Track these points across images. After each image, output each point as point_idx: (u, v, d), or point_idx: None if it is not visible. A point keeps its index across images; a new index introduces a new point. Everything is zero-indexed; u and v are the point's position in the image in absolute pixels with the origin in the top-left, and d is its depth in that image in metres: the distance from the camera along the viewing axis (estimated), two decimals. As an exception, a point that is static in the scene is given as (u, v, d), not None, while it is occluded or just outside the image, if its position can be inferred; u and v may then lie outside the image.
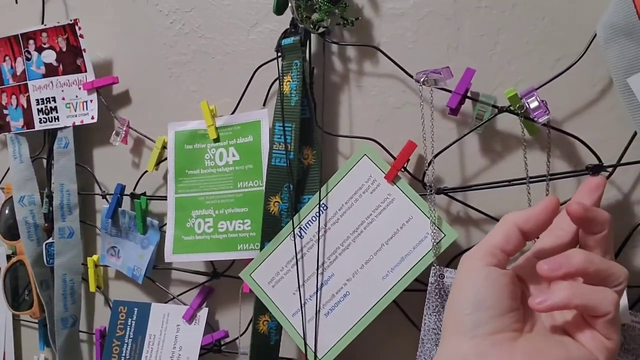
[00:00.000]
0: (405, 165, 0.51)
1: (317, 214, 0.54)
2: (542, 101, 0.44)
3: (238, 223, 0.59)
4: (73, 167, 0.73)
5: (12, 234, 0.80)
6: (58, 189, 0.72)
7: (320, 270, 0.53)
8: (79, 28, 0.68)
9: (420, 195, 0.50)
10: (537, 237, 0.38)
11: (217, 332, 0.64)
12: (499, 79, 0.50)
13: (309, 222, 0.54)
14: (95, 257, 0.74)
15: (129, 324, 0.68)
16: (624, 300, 0.40)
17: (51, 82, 0.71)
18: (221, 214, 0.60)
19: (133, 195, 0.68)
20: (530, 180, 0.46)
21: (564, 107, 0.47)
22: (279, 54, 0.55)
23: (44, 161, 0.77)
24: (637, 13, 0.36)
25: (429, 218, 0.49)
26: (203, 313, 0.64)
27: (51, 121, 0.73)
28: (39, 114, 0.73)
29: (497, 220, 0.49)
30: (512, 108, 0.46)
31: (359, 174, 0.52)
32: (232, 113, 0.61)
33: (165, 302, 0.69)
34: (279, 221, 0.56)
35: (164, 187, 0.69)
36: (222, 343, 0.65)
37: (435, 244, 0.48)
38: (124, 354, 0.68)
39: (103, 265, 0.74)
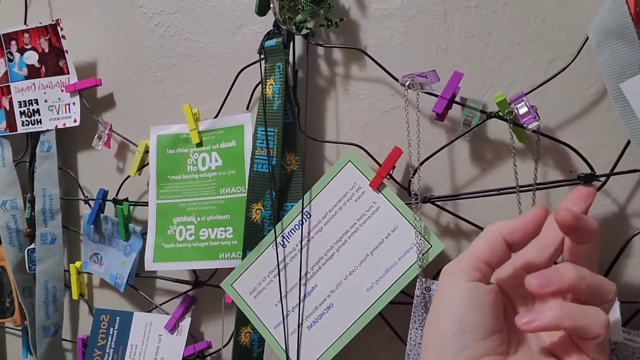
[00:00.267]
0: (391, 172, 0.49)
1: (300, 223, 0.52)
2: (532, 107, 0.41)
3: (220, 231, 0.57)
4: (55, 171, 0.71)
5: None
6: (40, 194, 0.71)
7: (303, 281, 0.51)
8: (61, 29, 0.66)
9: (406, 203, 0.48)
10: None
11: (200, 343, 0.62)
12: (491, 81, 0.47)
13: (292, 231, 0.52)
14: (78, 263, 0.72)
15: (111, 333, 0.66)
16: (616, 316, 0.38)
17: (33, 84, 0.70)
18: (203, 221, 0.58)
19: (115, 201, 0.66)
20: (521, 189, 0.44)
21: (556, 112, 0.45)
22: (262, 56, 0.53)
23: (28, 165, 0.75)
24: (630, 13, 0.34)
25: (414, 228, 0.47)
26: (185, 323, 0.62)
27: (34, 124, 0.71)
28: (21, 117, 0.72)
29: (486, 230, 0.47)
30: (500, 114, 0.43)
31: (344, 181, 0.50)
32: (216, 117, 0.59)
33: (149, 311, 0.67)
34: (261, 229, 0.54)
35: (148, 193, 0.67)
36: (205, 354, 0.63)
37: (421, 255, 0.46)
38: (105, 364, 0.66)
39: (86, 273, 0.72)
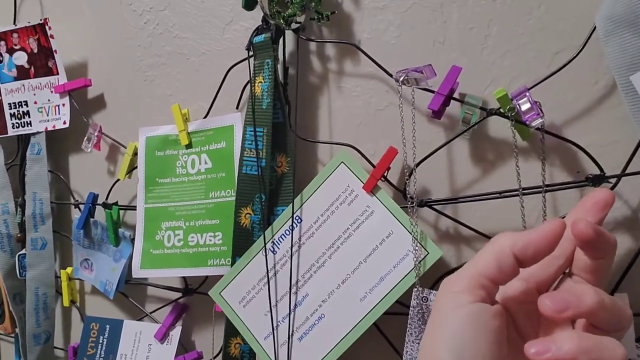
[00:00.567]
0: (386, 174, 0.46)
1: (291, 228, 0.49)
2: (535, 102, 0.38)
3: (209, 236, 0.55)
4: (46, 174, 0.69)
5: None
6: (31, 198, 0.69)
7: (293, 290, 0.48)
8: (49, 28, 0.64)
9: (402, 207, 0.45)
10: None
11: (190, 354, 0.59)
12: (491, 75, 0.44)
13: (282, 236, 0.49)
14: (69, 269, 0.70)
15: (101, 341, 0.64)
16: (630, 333, 0.35)
17: (23, 85, 0.68)
18: (192, 226, 0.56)
19: (105, 205, 0.64)
20: (524, 191, 0.41)
21: (562, 107, 0.41)
22: (251, 53, 0.51)
23: (19, 168, 0.74)
24: (641, -3, 0.31)
25: (410, 233, 0.44)
26: (176, 332, 0.60)
27: (24, 126, 0.69)
28: (11, 119, 0.70)
29: (488, 236, 0.44)
30: (502, 110, 0.40)
31: (336, 183, 0.47)
32: (205, 117, 0.57)
33: (139, 319, 0.64)
34: (251, 235, 0.51)
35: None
36: (196, 365, 0.61)
37: (417, 262, 0.43)
38: (95, 374, 0.64)
39: (77, 279, 0.70)
